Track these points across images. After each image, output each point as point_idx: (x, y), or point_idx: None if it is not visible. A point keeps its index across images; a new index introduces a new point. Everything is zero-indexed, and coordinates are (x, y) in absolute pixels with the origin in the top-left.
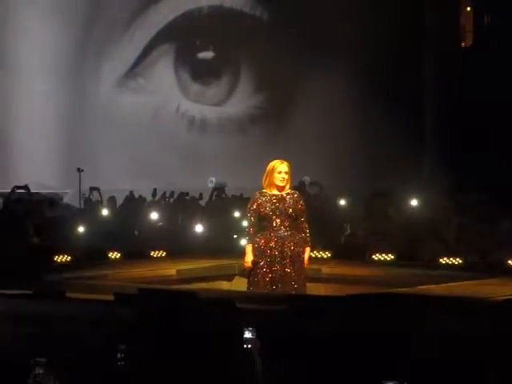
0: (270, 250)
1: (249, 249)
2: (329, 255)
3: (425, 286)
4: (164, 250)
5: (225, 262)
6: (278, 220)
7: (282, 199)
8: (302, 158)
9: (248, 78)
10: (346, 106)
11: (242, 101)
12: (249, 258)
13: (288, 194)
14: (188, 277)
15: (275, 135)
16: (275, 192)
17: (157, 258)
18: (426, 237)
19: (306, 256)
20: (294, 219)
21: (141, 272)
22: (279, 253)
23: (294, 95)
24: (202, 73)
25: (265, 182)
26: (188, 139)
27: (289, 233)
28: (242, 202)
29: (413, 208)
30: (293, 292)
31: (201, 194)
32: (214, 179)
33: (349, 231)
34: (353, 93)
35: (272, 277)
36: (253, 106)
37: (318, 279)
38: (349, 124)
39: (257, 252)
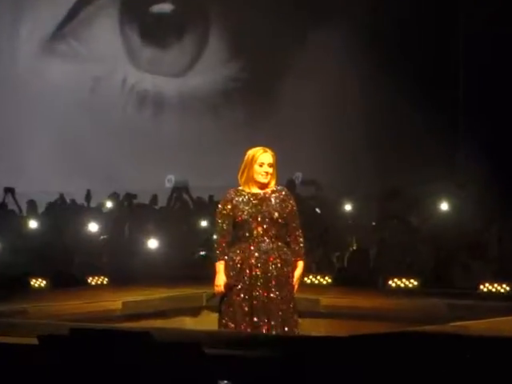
0: (250, 270)
1: (220, 268)
2: (329, 281)
3: (460, 323)
4: (106, 275)
5: (188, 290)
6: (260, 228)
7: (264, 199)
8: (292, 149)
9: (220, 39)
10: (351, 82)
11: (211, 70)
12: (220, 279)
13: (273, 192)
14: (138, 312)
15: (257, 117)
16: (256, 190)
17: (96, 285)
18: (462, 255)
19: (297, 274)
20: (281, 226)
21: (74, 305)
22: (262, 273)
23: (282, 64)
24: (158, 32)
25: (242, 178)
26: (138, 122)
27: (275, 245)
28: (210, 206)
29: (442, 214)
30: (279, 327)
31: (155, 197)
32: (172, 177)
33: (355, 247)
34: (361, 64)
35: (252, 305)
36: (226, 77)
37: (314, 313)
38: (355, 105)
39: (231, 272)
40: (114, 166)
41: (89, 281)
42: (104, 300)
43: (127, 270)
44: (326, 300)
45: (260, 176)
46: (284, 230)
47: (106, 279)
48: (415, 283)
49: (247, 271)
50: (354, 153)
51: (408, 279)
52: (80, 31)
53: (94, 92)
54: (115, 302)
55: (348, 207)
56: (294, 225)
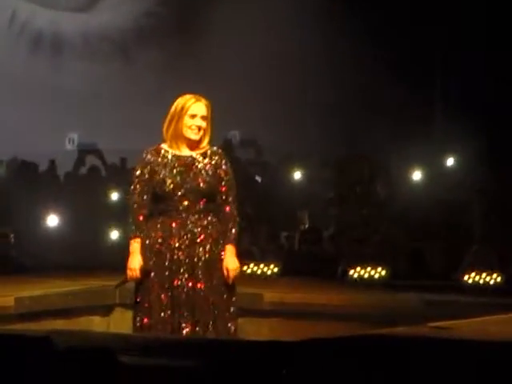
0: (172, 253)
1: (136, 247)
2: (275, 270)
3: (439, 323)
4: None
5: (96, 283)
6: (186, 201)
7: (192, 166)
8: (225, 101)
9: None
10: (301, 16)
11: (121, 3)
12: (135, 261)
13: (204, 155)
14: (34, 310)
15: (178, 60)
16: (184, 150)
17: None
18: (440, 237)
19: (230, 262)
20: (212, 198)
21: None
22: (187, 257)
23: None
24: None
25: (167, 132)
26: (31, 69)
27: (204, 222)
28: (123, 174)
29: (415, 185)
30: (208, 325)
31: (52, 162)
32: (75, 136)
33: (307, 225)
34: None
35: (172, 296)
36: (141, 11)
37: (256, 312)
38: (306, 45)
39: (149, 253)
40: (2, 123)
41: None
42: None
43: (21, 256)
44: (270, 295)
45: (190, 131)
46: (215, 204)
47: None
48: (382, 273)
49: (168, 254)
50: (305, 109)
51: (374, 268)
52: None
53: None
54: (6, 297)
55: (297, 175)
56: (225, 197)
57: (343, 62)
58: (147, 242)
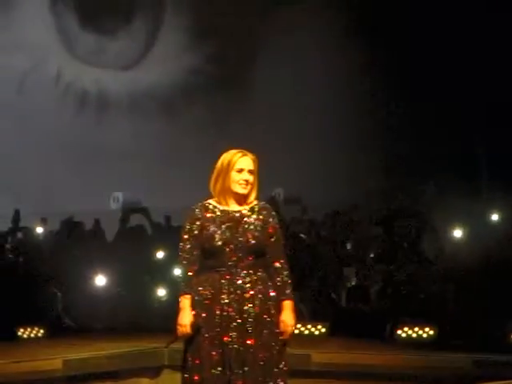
0: (221, 309)
1: (186, 303)
2: (323, 330)
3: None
4: (42, 326)
5: (145, 344)
6: (235, 257)
7: (240, 221)
8: (270, 158)
9: (178, 22)
10: (342, 70)
11: (167, 61)
12: (186, 318)
13: (252, 210)
14: (82, 372)
15: (225, 118)
16: (232, 205)
17: (29, 339)
18: (490, 295)
19: (288, 317)
20: (261, 254)
21: (2, 365)
22: (235, 312)
23: (253, 51)
24: (100, 14)
25: (215, 188)
26: (77, 128)
27: (253, 278)
28: (169, 233)
29: (461, 242)
30: (258, 382)
31: (97, 222)
32: (120, 195)
33: (354, 282)
34: (352, 44)
35: (223, 353)
36: (188, 68)
37: (304, 372)
38: (347, 99)
39: (199, 309)
40: (46, 182)
41: (19, 333)
42: (40, 358)
43: (69, 318)
44: (318, 356)
45: (238, 185)
46: (264, 259)
47: (42, 331)
48: (430, 333)
49: (218, 310)
50: (345, 164)
51: (422, 328)
52: (1, 15)
53: (21, 91)
54: (54, 360)
55: (343, 232)
56: (275, 252)
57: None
58: (196, 298)
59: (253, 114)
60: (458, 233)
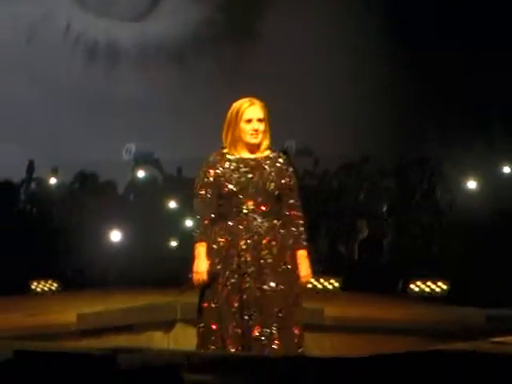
0: (239, 255)
1: (201, 251)
2: (336, 285)
3: (503, 338)
4: (55, 280)
5: (158, 298)
6: (251, 203)
7: (257, 167)
8: (281, 110)
9: None
10: (351, 20)
11: (177, 12)
12: (202, 265)
13: (267, 158)
14: (96, 326)
15: (236, 69)
16: (246, 155)
17: (43, 292)
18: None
19: (303, 268)
20: (277, 201)
21: (15, 319)
22: (253, 259)
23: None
24: None
25: (226, 139)
26: (87, 79)
27: (270, 224)
28: (180, 184)
29: (473, 194)
30: (275, 328)
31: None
32: (133, 146)
33: (366, 234)
34: None
35: (242, 300)
36: (196, 19)
37: (317, 327)
38: (363, 56)
39: (216, 258)
40: (57, 133)
41: (33, 287)
42: (54, 311)
43: (83, 272)
44: (331, 310)
45: (249, 136)
46: (279, 206)
47: (56, 284)
48: (444, 287)
49: (235, 257)
50: (358, 116)
51: (434, 282)
52: None
53: (30, 43)
54: (68, 313)
55: (355, 183)
56: (292, 201)
57: (396, 69)
58: (214, 246)
59: (264, 65)
60: (471, 184)
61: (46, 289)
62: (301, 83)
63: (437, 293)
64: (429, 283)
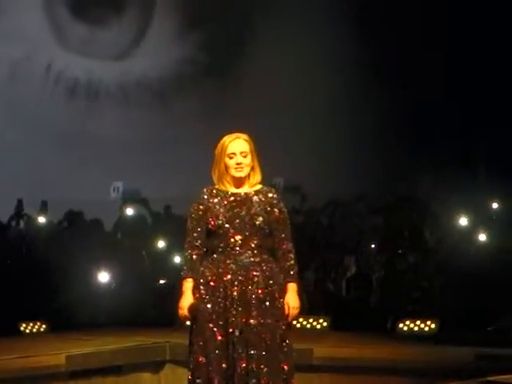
0: (225, 289)
1: (187, 287)
2: (324, 324)
3: (492, 378)
4: (44, 321)
5: (147, 339)
6: (239, 236)
7: (245, 201)
8: (267, 148)
9: (168, 10)
10: (338, 58)
11: (159, 51)
12: (186, 301)
13: (257, 191)
14: (85, 367)
15: (218, 107)
16: (234, 189)
17: (31, 334)
18: (494, 289)
19: (290, 300)
20: (266, 235)
21: (5, 361)
22: (240, 293)
23: (246, 37)
24: (91, 2)
25: (214, 174)
26: (69, 117)
27: (257, 259)
28: (169, 222)
29: (461, 231)
30: (261, 362)
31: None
32: (120, 184)
33: (354, 271)
34: (347, 35)
35: (228, 334)
36: (181, 58)
37: (306, 367)
38: (346, 91)
39: (202, 291)
40: (40, 173)
41: (21, 328)
42: (43, 353)
43: (72, 314)
44: (320, 350)
45: (233, 170)
46: (270, 241)
47: (44, 326)
48: (432, 326)
49: (221, 290)
50: (345, 154)
51: (423, 321)
52: None
53: (13, 80)
54: (57, 355)
55: (343, 222)
56: (282, 235)
57: (384, 108)
58: (201, 280)
59: (247, 102)
60: (461, 221)
61: (34, 330)
62: (286, 119)
63: (426, 332)
64: (418, 322)
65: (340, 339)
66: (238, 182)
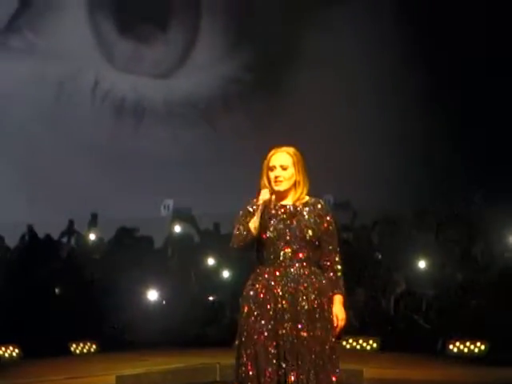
0: (275, 302)
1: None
2: (374, 346)
3: None
4: (94, 341)
5: (197, 360)
6: (289, 249)
7: (295, 213)
8: (316, 165)
9: (214, 29)
10: (385, 67)
11: (204, 69)
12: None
13: (306, 204)
14: None
15: (267, 125)
16: (283, 202)
17: (81, 354)
18: None
19: (337, 311)
20: (315, 248)
21: (52, 382)
22: (290, 306)
23: (292, 55)
24: (137, 22)
25: (261, 187)
26: (117, 136)
27: (307, 271)
28: (218, 240)
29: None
30: (311, 374)
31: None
32: (171, 202)
33: (403, 289)
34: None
35: (279, 346)
36: (227, 77)
37: None
38: (394, 102)
39: (252, 304)
40: (90, 192)
41: (72, 348)
42: (93, 374)
43: (121, 333)
44: (370, 371)
45: (273, 183)
46: (318, 253)
47: (94, 346)
48: (482, 348)
49: (272, 303)
50: (396, 168)
51: (474, 343)
52: (35, 19)
53: (59, 100)
54: (107, 375)
55: (392, 238)
56: (330, 247)
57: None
58: (251, 293)
59: (293, 118)
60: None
61: (84, 351)
62: (331, 135)
63: (476, 353)
64: (467, 343)
65: (389, 360)
66: (280, 195)
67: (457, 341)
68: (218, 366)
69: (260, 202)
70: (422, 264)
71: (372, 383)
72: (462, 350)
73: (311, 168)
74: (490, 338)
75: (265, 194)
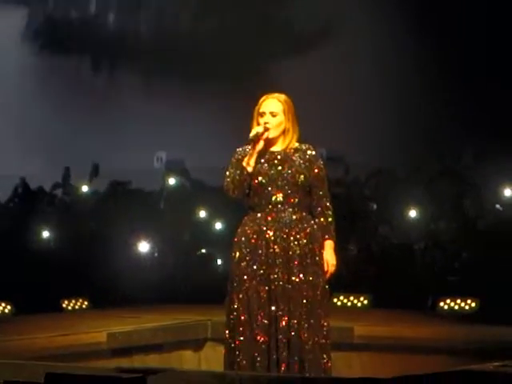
0: (267, 246)
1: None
2: (365, 302)
3: None
4: (85, 298)
5: (188, 316)
6: (281, 194)
7: (286, 159)
8: (309, 117)
9: None
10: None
11: None
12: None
13: (296, 149)
14: (126, 345)
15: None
16: (272, 148)
17: (73, 311)
18: None
19: (328, 257)
20: (306, 193)
21: (47, 339)
22: (282, 250)
23: None
24: None
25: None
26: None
27: (298, 216)
28: (210, 192)
29: (507, 202)
30: (303, 319)
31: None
32: (164, 154)
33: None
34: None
35: (271, 290)
36: None
37: (348, 346)
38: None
39: (244, 249)
40: (81, 141)
41: (64, 305)
42: (84, 331)
43: (113, 288)
44: (361, 329)
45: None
46: (309, 198)
47: (86, 303)
48: (473, 305)
49: (263, 248)
50: (389, 122)
51: (464, 300)
52: None
53: None
54: (98, 332)
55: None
56: (320, 192)
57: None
58: (242, 238)
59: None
60: (506, 192)
61: (76, 307)
62: (329, 92)
63: (467, 310)
64: (458, 301)
65: (380, 317)
66: (269, 142)
67: (447, 298)
68: (209, 323)
69: (253, 133)
70: (412, 213)
71: (362, 340)
72: (453, 308)
73: (304, 120)
74: (481, 295)
75: (258, 128)
